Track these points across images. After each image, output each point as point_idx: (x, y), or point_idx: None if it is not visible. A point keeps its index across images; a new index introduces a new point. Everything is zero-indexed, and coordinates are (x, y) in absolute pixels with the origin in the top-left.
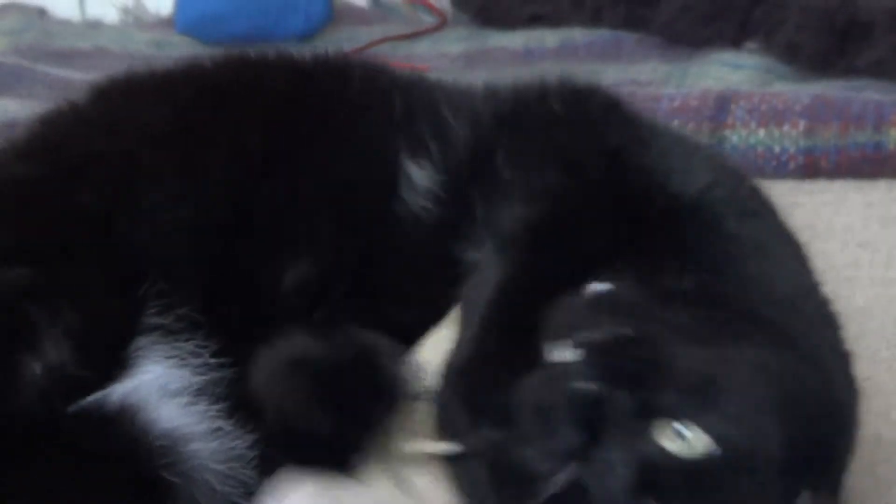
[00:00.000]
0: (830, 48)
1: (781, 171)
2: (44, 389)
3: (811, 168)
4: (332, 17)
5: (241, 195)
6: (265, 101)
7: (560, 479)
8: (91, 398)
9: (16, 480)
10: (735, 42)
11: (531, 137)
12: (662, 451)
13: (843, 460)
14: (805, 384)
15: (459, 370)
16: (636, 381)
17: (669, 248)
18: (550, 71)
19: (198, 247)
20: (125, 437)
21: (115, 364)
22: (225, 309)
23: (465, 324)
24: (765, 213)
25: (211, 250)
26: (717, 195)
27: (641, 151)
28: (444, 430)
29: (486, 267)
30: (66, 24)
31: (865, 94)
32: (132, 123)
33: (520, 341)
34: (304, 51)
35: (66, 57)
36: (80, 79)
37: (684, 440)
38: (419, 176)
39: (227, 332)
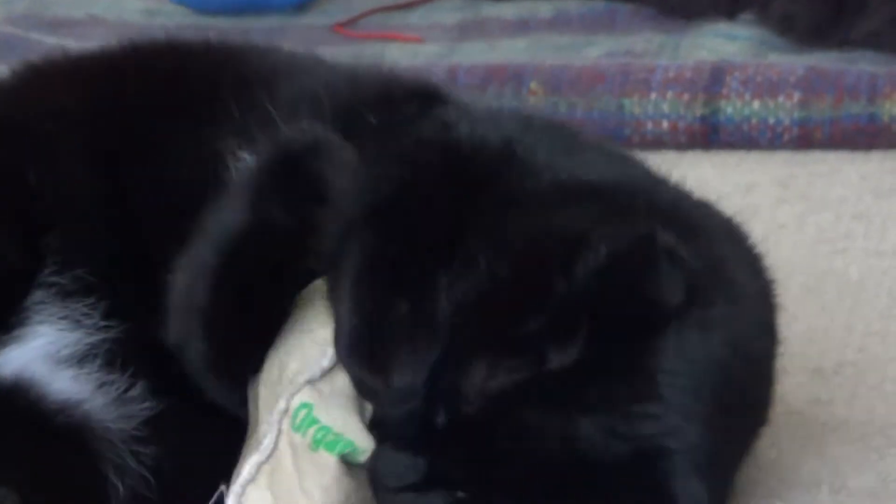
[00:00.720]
0: (825, 19)
1: (776, 142)
2: None
3: (805, 139)
4: None
5: (137, 166)
6: (149, 85)
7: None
8: None
9: None
10: (730, 13)
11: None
12: None
13: None
14: None
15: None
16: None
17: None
18: (544, 42)
19: (93, 213)
20: (21, 410)
21: (13, 314)
22: (118, 273)
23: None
24: (579, 148)
25: (106, 217)
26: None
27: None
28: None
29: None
30: None
31: (860, 65)
32: (45, 99)
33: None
34: (293, 25)
35: (59, 26)
36: (74, 47)
37: None
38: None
39: (119, 296)
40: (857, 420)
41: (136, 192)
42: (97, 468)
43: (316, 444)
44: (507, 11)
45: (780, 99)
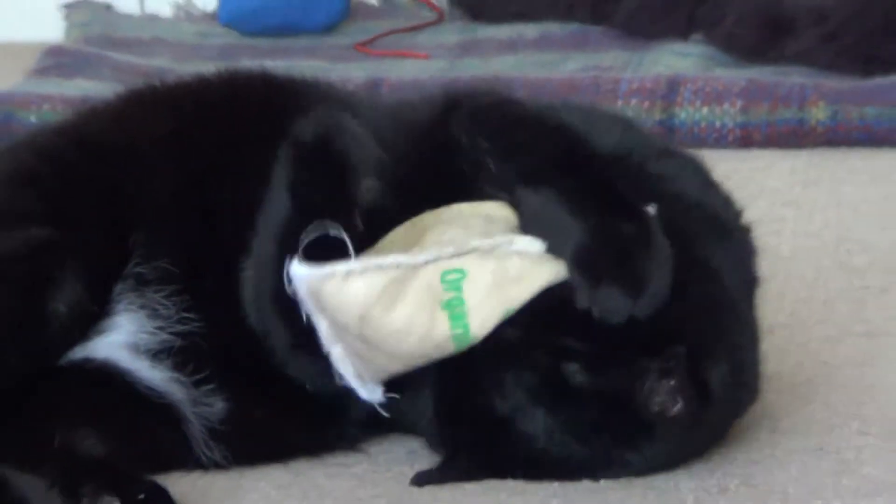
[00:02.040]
0: (762, 40)
1: (721, 142)
2: (65, 321)
3: (746, 140)
4: (348, 12)
5: (222, 177)
6: (237, 111)
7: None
8: (83, 352)
9: (48, 401)
10: (683, 34)
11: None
12: None
13: None
14: None
15: None
16: None
17: None
18: (530, 59)
19: (183, 210)
20: (109, 385)
21: (108, 302)
22: (198, 267)
23: None
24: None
25: (196, 215)
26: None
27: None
28: None
29: None
30: (127, 17)
31: (791, 78)
32: (143, 122)
33: None
34: (322, 45)
35: (127, 45)
36: (139, 63)
37: None
38: None
39: (198, 290)
40: (787, 372)
41: (218, 204)
42: (183, 432)
43: (444, 306)
44: (500, 33)
45: (725, 106)
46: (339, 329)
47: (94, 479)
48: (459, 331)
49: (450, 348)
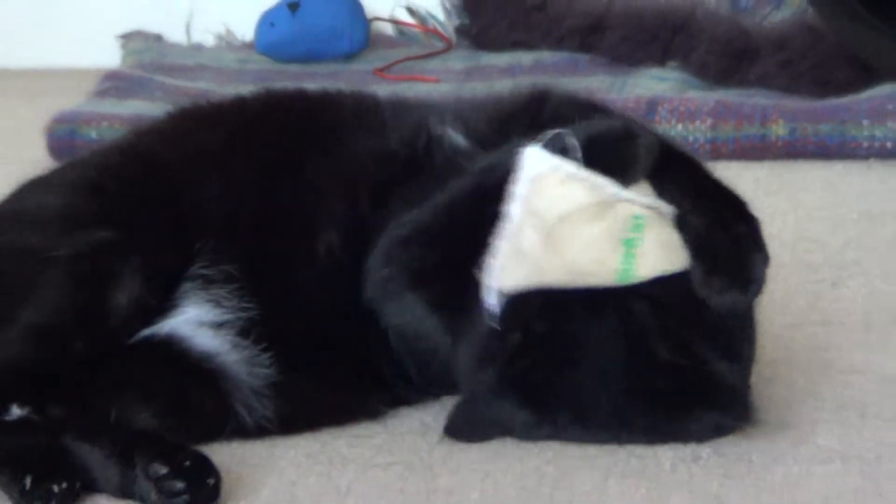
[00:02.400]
0: (729, 66)
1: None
2: (126, 313)
3: (715, 153)
4: (368, 42)
5: (273, 188)
6: (286, 123)
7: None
8: (147, 331)
9: (107, 380)
10: (660, 62)
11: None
12: None
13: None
14: None
15: None
16: None
17: None
18: (525, 82)
19: (240, 221)
20: (169, 357)
21: (170, 298)
22: (259, 269)
23: None
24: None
25: (252, 224)
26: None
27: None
28: None
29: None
30: (176, 46)
31: (754, 99)
32: (194, 137)
33: None
34: (345, 70)
35: (175, 70)
36: (186, 86)
37: None
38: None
39: (257, 286)
40: None
41: (272, 209)
42: (225, 402)
43: (624, 242)
44: (500, 60)
45: (697, 123)
46: (530, 218)
47: (146, 448)
48: (626, 268)
49: (609, 280)
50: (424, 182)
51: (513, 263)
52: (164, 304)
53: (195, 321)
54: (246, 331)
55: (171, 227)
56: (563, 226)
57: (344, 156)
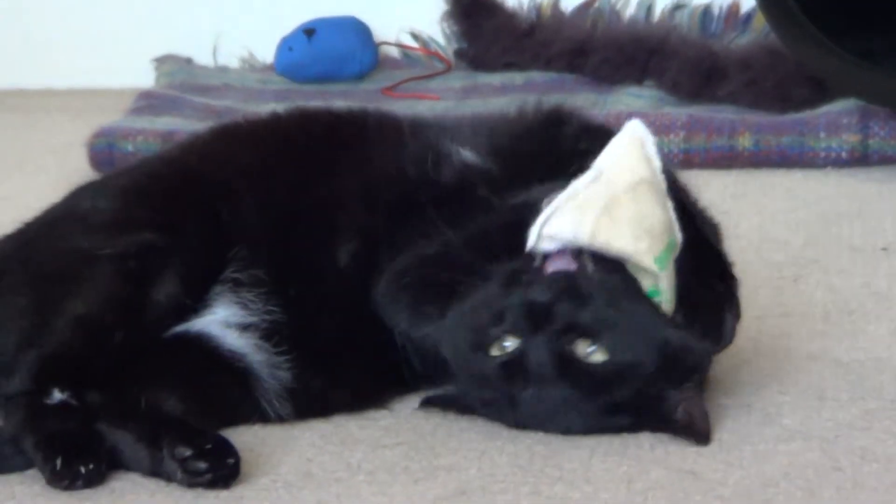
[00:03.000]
0: (700, 84)
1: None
2: (163, 310)
3: (688, 163)
4: (377, 63)
5: (302, 200)
6: (315, 139)
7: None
8: (180, 328)
9: (140, 371)
10: (638, 81)
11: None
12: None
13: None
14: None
15: None
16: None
17: None
18: (519, 99)
19: (271, 230)
20: (199, 352)
21: (203, 299)
22: (286, 274)
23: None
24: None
25: (282, 233)
26: None
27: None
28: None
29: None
30: (204, 68)
31: (723, 114)
32: (233, 152)
33: None
34: (355, 89)
35: (204, 90)
36: (213, 104)
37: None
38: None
39: (283, 291)
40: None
41: (295, 219)
42: (252, 395)
43: (669, 242)
44: (494, 80)
45: (671, 136)
46: (605, 176)
47: (172, 433)
48: (660, 257)
49: (644, 262)
50: (437, 199)
51: (568, 212)
52: (198, 304)
53: (223, 322)
54: (269, 334)
55: (209, 234)
56: (637, 189)
57: (366, 170)
